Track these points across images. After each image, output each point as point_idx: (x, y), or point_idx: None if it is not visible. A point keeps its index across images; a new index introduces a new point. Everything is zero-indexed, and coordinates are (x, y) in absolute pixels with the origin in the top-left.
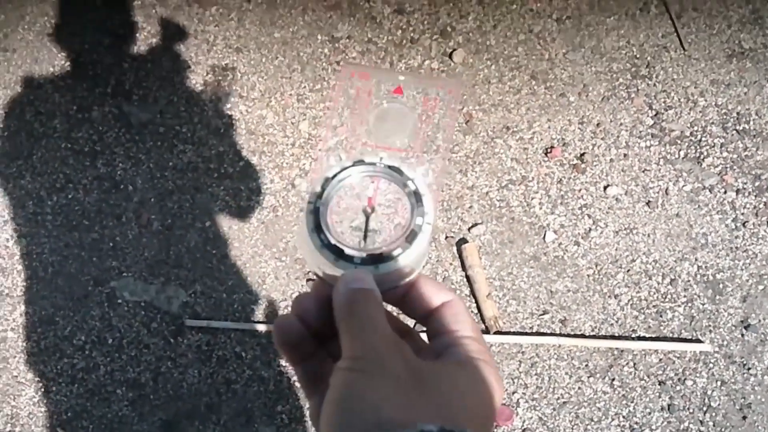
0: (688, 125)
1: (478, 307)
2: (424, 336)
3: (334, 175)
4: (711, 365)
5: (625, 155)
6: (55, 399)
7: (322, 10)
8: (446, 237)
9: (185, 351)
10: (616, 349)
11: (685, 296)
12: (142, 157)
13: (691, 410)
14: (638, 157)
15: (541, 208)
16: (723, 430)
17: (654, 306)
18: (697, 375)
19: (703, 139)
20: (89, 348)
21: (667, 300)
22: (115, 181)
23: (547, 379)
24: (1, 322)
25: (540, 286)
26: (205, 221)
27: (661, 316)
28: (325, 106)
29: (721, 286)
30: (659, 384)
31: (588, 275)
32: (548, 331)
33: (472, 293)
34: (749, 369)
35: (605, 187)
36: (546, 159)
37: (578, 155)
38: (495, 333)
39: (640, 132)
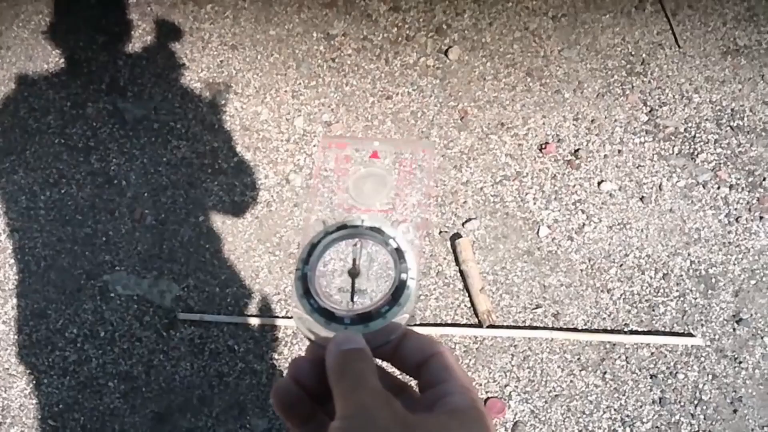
0: (683, 122)
1: (472, 301)
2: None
3: (319, 241)
4: (702, 359)
5: (619, 151)
6: (46, 391)
7: (318, 8)
8: (440, 232)
9: (178, 344)
10: (609, 342)
11: (677, 290)
12: (136, 153)
13: (682, 403)
14: (632, 153)
15: (535, 204)
16: (714, 423)
17: (646, 300)
18: (689, 369)
19: (698, 135)
20: (81, 341)
21: (659, 294)
22: (109, 176)
23: (540, 373)
24: None
25: (533, 281)
26: (199, 216)
27: (653, 311)
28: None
29: (713, 280)
30: (651, 377)
31: (581, 270)
32: (541, 325)
33: (466, 287)
34: (740, 363)
35: (599, 183)
36: (540, 155)
37: (572, 151)
38: (488, 327)
39: (635, 128)
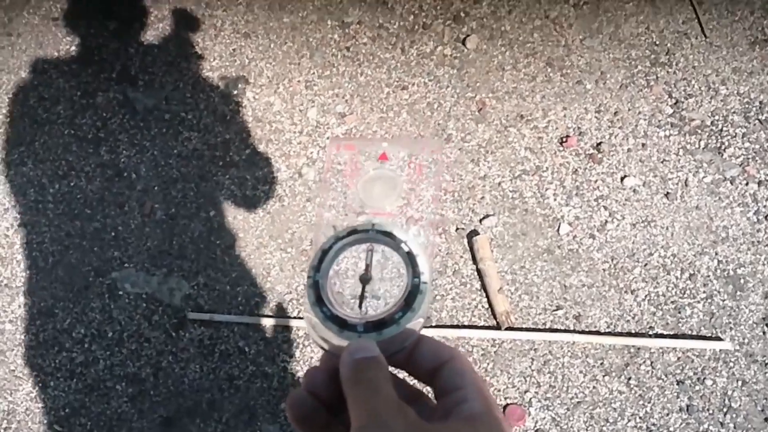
0: (709, 114)
1: (489, 302)
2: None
3: (330, 247)
4: (731, 364)
5: (643, 145)
6: (52, 394)
7: None
8: (457, 229)
9: (187, 345)
10: (633, 346)
11: (704, 292)
12: (147, 144)
13: (710, 411)
14: (657, 147)
15: (555, 200)
16: None
17: (672, 302)
18: (717, 374)
19: (725, 128)
20: (89, 341)
21: (685, 296)
22: (119, 168)
23: (561, 378)
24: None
25: (554, 281)
26: (210, 211)
27: (679, 313)
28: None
29: (742, 281)
30: (677, 383)
31: (603, 269)
32: (562, 328)
33: (483, 287)
34: None
35: (622, 178)
36: (561, 148)
37: (595, 145)
38: (507, 329)
39: (659, 121)
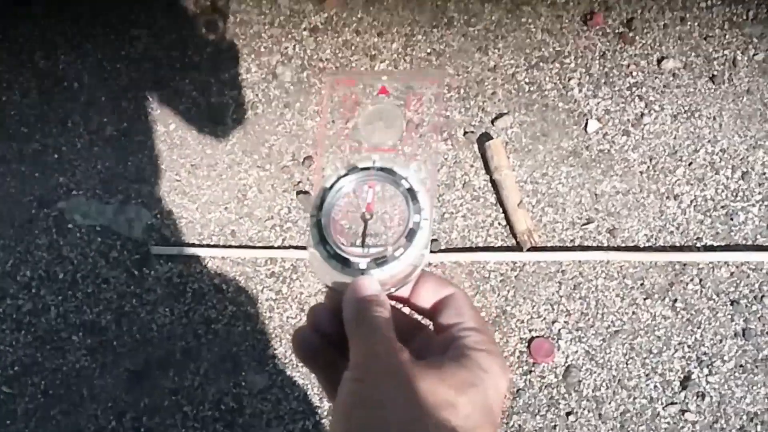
0: None
1: (507, 219)
2: None
3: (331, 186)
4: None
5: (681, 19)
6: None
7: None
8: (465, 133)
9: (153, 285)
10: (678, 262)
11: (759, 193)
12: (89, 47)
13: None
14: (698, 21)
15: (580, 91)
16: None
17: (722, 207)
18: None
19: None
20: (36, 285)
21: (738, 199)
22: (57, 77)
23: (595, 304)
24: None
25: (582, 189)
26: (170, 123)
27: (731, 220)
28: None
29: None
30: (731, 304)
31: (640, 172)
32: (594, 245)
33: (500, 202)
34: None
35: (659, 61)
36: (585, 28)
37: (624, 21)
38: (529, 249)
39: None
